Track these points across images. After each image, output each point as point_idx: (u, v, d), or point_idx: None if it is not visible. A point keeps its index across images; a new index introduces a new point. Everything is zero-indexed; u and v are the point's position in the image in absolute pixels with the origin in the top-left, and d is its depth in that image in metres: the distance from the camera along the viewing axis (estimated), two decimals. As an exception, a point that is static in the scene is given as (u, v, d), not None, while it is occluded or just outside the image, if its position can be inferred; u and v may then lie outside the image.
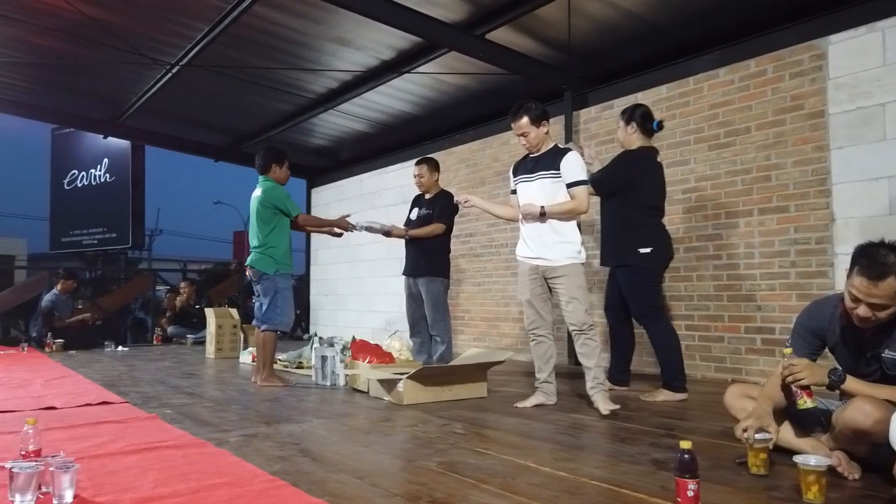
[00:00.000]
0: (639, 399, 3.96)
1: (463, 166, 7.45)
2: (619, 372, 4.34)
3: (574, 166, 3.58)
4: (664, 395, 3.93)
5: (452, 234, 5.21)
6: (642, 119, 4.13)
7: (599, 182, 4.08)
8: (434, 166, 5.25)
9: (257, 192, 4.76)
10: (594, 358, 3.55)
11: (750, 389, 2.68)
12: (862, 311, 2.20)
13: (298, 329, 9.95)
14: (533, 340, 3.77)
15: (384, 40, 5.94)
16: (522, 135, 3.66)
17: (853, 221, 4.27)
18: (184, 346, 8.33)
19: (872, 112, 4.20)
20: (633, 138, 4.13)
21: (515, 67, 5.78)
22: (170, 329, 8.88)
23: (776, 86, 4.64)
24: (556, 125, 6.33)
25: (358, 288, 9.19)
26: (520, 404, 3.72)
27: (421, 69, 6.34)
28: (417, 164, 5.26)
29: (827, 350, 2.55)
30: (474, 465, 2.43)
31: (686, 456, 1.83)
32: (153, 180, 13.35)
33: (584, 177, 3.60)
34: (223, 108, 8.00)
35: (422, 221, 5.13)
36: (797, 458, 2.02)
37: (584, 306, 3.56)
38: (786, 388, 2.34)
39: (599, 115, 5.98)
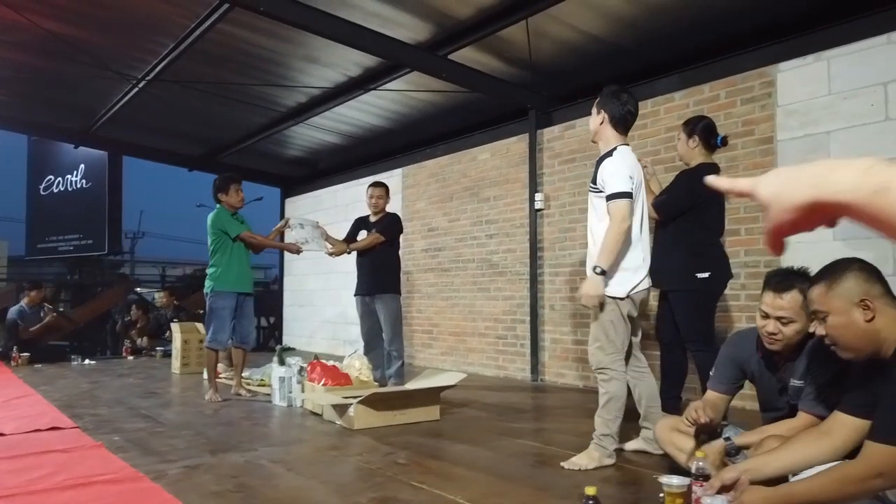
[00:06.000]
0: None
1: (433, 181, 7.48)
2: (670, 398, 3.93)
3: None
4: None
5: (419, 250, 5.25)
6: (705, 132, 3.85)
7: (663, 204, 3.81)
8: (388, 190, 5.44)
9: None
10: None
11: (680, 423, 2.70)
12: (770, 326, 2.31)
13: (272, 340, 9.93)
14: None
15: (351, 58, 5.98)
16: None
17: (800, 246, 4.32)
18: (154, 357, 8.30)
19: (820, 139, 4.28)
20: (694, 153, 3.86)
21: (478, 86, 5.84)
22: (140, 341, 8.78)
23: (729, 111, 4.72)
24: (520, 143, 6.42)
25: (333, 299, 9.19)
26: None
27: (387, 86, 6.38)
28: (377, 186, 5.38)
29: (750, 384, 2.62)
30: (405, 500, 2.48)
31: (590, 503, 1.89)
32: (135, 182, 13.27)
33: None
34: (196, 119, 8.00)
35: None
36: (662, 479, 2.07)
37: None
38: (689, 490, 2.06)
39: (563, 133, 6.03)
